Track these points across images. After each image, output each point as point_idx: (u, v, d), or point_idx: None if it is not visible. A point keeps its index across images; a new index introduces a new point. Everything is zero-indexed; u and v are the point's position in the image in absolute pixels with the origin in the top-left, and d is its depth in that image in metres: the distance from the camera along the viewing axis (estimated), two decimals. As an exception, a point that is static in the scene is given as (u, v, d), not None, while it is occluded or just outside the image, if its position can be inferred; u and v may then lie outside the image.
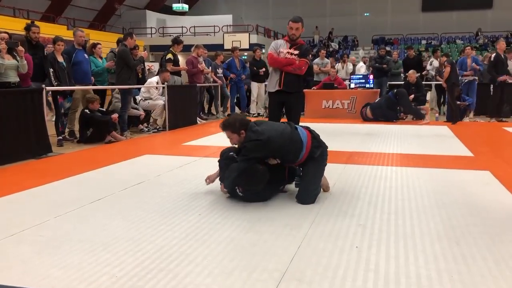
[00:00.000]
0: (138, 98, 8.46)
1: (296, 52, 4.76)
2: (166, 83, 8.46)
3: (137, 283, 2.12)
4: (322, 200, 3.52)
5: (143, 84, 8.39)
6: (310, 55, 4.74)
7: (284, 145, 3.40)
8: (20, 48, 5.90)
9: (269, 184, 3.46)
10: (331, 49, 28.30)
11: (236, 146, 3.56)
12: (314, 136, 3.58)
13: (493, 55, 9.67)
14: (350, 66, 12.91)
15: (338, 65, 12.62)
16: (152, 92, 8.39)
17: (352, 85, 10.68)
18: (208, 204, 3.44)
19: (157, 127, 8.43)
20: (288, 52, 4.77)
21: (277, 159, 3.57)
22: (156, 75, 8.82)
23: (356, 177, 4.38)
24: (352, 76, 11.14)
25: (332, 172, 4.56)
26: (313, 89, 10.83)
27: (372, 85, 10.59)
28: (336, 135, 7.53)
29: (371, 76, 10.78)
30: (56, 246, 2.58)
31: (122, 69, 7.31)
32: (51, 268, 2.30)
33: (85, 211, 3.30)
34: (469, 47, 11.02)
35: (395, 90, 9.56)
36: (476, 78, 10.19)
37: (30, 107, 5.58)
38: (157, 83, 8.45)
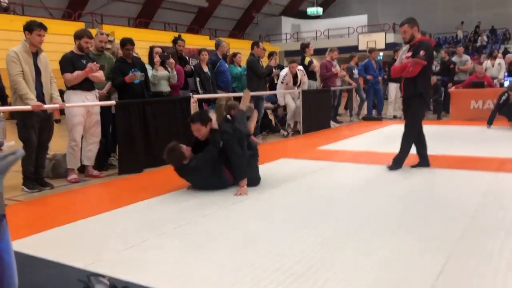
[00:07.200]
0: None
1: (410, 53, 4.70)
2: (302, 87, 8.59)
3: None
4: (470, 212, 3.23)
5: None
6: (422, 52, 4.52)
7: None
8: (171, 60, 6.51)
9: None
10: (477, 44, 25.84)
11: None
12: None
13: None
14: (500, 62, 11.59)
15: (488, 63, 11.41)
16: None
17: (506, 83, 9.56)
18: (344, 209, 3.41)
19: (290, 130, 8.59)
20: (406, 57, 4.74)
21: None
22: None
23: (510, 187, 3.93)
24: (506, 74, 9.97)
25: (479, 181, 4.17)
26: (458, 88, 10.01)
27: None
28: (484, 139, 6.86)
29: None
30: (202, 244, 2.79)
31: (251, 78, 7.76)
32: (197, 264, 2.48)
33: (227, 211, 3.52)
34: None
35: None
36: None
37: (179, 114, 6.12)
38: (286, 75, 8.60)
